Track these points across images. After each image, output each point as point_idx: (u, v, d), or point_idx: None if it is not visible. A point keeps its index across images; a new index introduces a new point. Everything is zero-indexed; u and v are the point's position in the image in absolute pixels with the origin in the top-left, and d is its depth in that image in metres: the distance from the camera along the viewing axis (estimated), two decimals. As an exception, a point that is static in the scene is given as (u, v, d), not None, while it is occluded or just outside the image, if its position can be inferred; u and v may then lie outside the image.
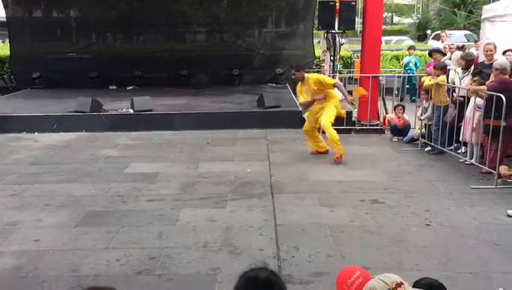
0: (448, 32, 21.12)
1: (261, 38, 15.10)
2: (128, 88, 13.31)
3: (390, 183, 5.98)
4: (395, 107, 8.49)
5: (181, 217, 4.95)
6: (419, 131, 7.78)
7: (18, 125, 9.17)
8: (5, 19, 14.45)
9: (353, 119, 8.94)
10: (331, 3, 9.11)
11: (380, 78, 9.04)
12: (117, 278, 3.78)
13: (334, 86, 7.12)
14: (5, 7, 14.33)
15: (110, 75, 13.68)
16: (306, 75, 7.14)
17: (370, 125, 8.82)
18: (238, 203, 5.34)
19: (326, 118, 7.00)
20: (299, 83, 7.26)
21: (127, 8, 14.17)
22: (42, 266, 3.94)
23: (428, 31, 28.57)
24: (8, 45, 14.94)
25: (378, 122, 8.93)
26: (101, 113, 9.40)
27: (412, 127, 8.16)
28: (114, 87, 13.58)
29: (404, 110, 8.34)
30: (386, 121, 8.67)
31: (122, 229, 4.65)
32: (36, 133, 8.97)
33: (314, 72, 12.73)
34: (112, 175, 6.43)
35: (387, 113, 8.89)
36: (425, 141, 7.51)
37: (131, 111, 9.53)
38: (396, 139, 8.22)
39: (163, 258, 4.06)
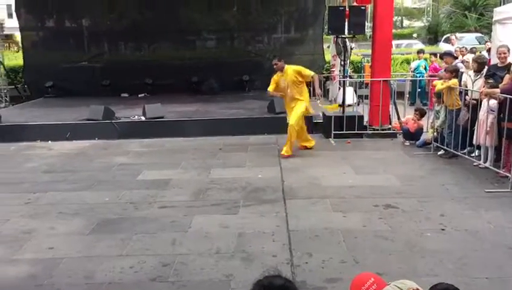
0: (459, 35, 21.02)
1: (271, 44, 15.13)
2: (139, 96, 13.44)
3: (403, 187, 5.94)
4: (415, 111, 8.44)
5: (193, 223, 4.96)
6: (432, 135, 7.71)
7: (32, 134, 9.28)
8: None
9: (364, 123, 8.90)
10: (340, 8, 9.11)
11: (391, 82, 9.00)
12: (131, 285, 3.79)
13: (312, 78, 7.37)
14: (18, 18, 14.57)
15: (122, 83, 13.83)
16: (286, 65, 7.35)
17: (382, 130, 8.77)
18: (250, 209, 5.34)
19: (294, 118, 7.35)
20: (278, 72, 7.47)
21: (138, 17, 14.33)
22: (57, 273, 3.96)
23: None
24: (22, 54, 15.12)
25: (390, 126, 8.88)
26: (113, 121, 9.48)
27: (424, 130, 8.10)
28: (126, 95, 13.72)
29: (421, 116, 8.26)
30: (400, 123, 8.61)
31: (135, 236, 4.67)
32: (50, 142, 9.07)
33: (324, 77, 12.82)
34: (125, 182, 6.47)
35: (399, 117, 8.84)
36: (438, 144, 7.45)
37: (143, 118, 9.60)
38: (408, 143, 8.16)
39: (177, 265, 4.07)
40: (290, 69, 7.32)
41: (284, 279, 1.70)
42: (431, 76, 11.31)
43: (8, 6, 35.66)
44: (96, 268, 4.03)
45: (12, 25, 25.95)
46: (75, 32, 15.26)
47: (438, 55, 11.83)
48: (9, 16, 34.72)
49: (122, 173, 6.93)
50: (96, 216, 5.21)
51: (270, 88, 7.61)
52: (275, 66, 7.49)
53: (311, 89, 8.19)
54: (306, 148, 7.89)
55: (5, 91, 14.04)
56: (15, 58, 17.86)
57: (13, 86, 14.33)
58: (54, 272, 3.98)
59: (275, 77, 7.50)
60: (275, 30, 15.21)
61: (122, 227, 4.91)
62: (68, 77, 13.85)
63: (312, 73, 7.44)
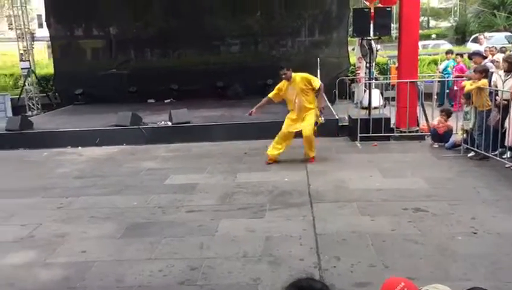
0: (488, 34, 20.56)
1: (295, 48, 15.12)
2: (166, 101, 13.61)
3: (432, 190, 5.84)
4: (440, 112, 8.30)
5: (220, 227, 4.99)
6: (461, 136, 7.57)
7: (63, 140, 9.51)
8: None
9: (391, 126, 8.79)
10: (365, 9, 9.04)
11: (418, 83, 8.88)
12: (160, 288, 3.85)
13: (319, 89, 7.13)
14: (48, 27, 14.97)
15: (149, 90, 14.05)
16: (293, 74, 7.16)
17: (409, 132, 8.65)
18: (276, 213, 5.34)
19: (308, 128, 7.16)
20: (284, 81, 7.26)
21: (164, 24, 14.52)
22: (89, 277, 4.05)
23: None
24: (52, 63, 15.53)
25: (417, 128, 8.75)
26: (140, 127, 9.63)
27: (454, 132, 7.95)
28: (152, 101, 13.93)
29: (448, 116, 8.13)
30: (428, 125, 8.48)
31: (164, 240, 4.73)
32: (80, 148, 9.28)
33: (349, 79, 12.72)
34: (153, 187, 6.56)
35: (427, 119, 8.70)
36: (468, 146, 7.30)
37: (169, 124, 9.73)
38: (437, 145, 8.03)
39: (205, 268, 4.10)
40: (298, 77, 7.11)
41: (321, 283, 1.70)
42: (457, 77, 11.14)
43: (39, 17, 36.69)
44: (127, 271, 4.10)
45: (42, 34, 26.67)
46: (102, 41, 15.61)
47: (466, 55, 11.59)
48: (40, 25, 35.69)
49: (149, 178, 7.03)
50: (125, 220, 5.30)
51: (271, 94, 7.44)
52: (283, 76, 7.18)
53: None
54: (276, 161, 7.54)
55: (37, 99, 14.42)
56: (46, 67, 18.34)
57: (44, 94, 14.71)
58: (86, 275, 4.07)
59: (280, 85, 7.31)
60: (298, 34, 15.19)
61: (151, 231, 4.98)
62: (97, 84, 14.16)
63: (319, 84, 7.20)
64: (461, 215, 5.02)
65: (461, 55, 12.37)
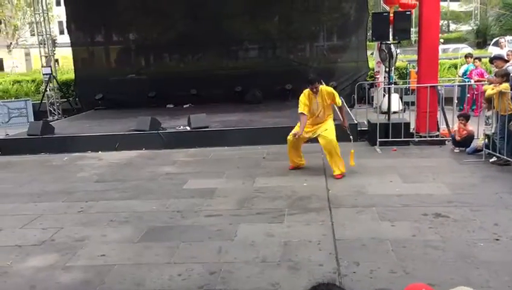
0: (509, 38, 20.22)
1: (313, 52, 15.10)
2: (184, 106, 13.71)
3: (454, 196, 5.75)
4: (458, 117, 8.19)
5: (239, 232, 4.99)
6: (483, 141, 7.44)
7: (83, 145, 9.65)
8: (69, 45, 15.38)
9: (411, 130, 8.70)
10: (384, 14, 8.99)
11: (439, 87, 8.77)
12: (179, 292, 3.85)
13: (342, 104, 7.01)
14: (69, 33, 15.24)
15: (168, 94, 14.18)
16: (320, 86, 6.89)
17: (429, 137, 8.54)
18: (295, 218, 5.32)
19: (331, 133, 6.84)
20: (307, 93, 6.84)
21: (183, 29, 14.65)
22: (109, 280, 4.08)
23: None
24: (73, 68, 15.79)
25: (438, 133, 8.63)
26: (159, 131, 9.71)
27: (475, 137, 7.83)
28: (171, 105, 14.05)
29: (467, 120, 8.02)
30: (449, 129, 8.37)
31: (182, 244, 4.74)
32: (100, 152, 9.40)
33: (368, 84, 12.63)
34: (171, 191, 6.60)
35: (447, 124, 8.58)
36: (490, 151, 7.17)
37: (188, 128, 9.79)
38: (458, 150, 7.91)
39: (224, 273, 4.10)
40: (324, 90, 6.84)
41: (340, 288, 1.67)
42: (477, 81, 10.98)
43: (60, 23, 37.38)
44: (146, 275, 4.12)
45: (63, 40, 27.18)
46: (122, 46, 15.83)
47: (488, 58, 11.41)
48: (61, 32, 36.35)
49: (168, 182, 7.07)
50: (144, 224, 5.34)
51: (305, 110, 6.85)
52: (314, 90, 6.75)
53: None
54: (298, 167, 7.37)
55: (58, 104, 14.67)
56: (67, 73, 18.65)
57: (65, 99, 14.96)
58: (106, 278, 4.11)
59: (304, 99, 6.83)
60: (317, 38, 15.18)
61: (170, 235, 5.01)
62: (116, 90, 14.36)
63: (341, 102, 6.99)
64: (483, 221, 4.93)
65: (479, 59, 12.16)
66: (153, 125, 9.75)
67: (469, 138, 7.81)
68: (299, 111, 6.90)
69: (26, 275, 4.26)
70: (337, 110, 7.12)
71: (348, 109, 11.29)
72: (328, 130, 6.88)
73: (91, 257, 4.56)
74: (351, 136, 7.19)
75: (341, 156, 6.85)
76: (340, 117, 7.20)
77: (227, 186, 6.72)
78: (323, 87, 6.92)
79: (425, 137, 8.54)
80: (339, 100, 6.94)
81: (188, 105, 13.85)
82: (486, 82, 8.23)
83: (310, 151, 8.45)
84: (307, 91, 6.89)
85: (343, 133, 7.25)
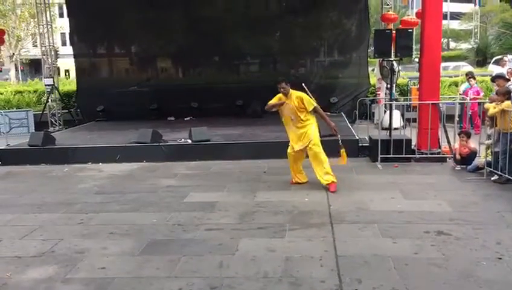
0: (510, 56, 20.39)
1: (314, 68, 15.18)
2: (185, 119, 13.74)
3: (455, 214, 5.73)
4: (459, 135, 8.21)
5: (240, 246, 4.96)
6: (484, 159, 7.45)
7: (84, 156, 9.64)
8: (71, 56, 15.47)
9: (412, 147, 8.71)
10: (387, 31, 9.06)
11: (440, 105, 8.80)
12: (180, 307, 3.81)
13: (314, 110, 6.83)
14: (72, 45, 15.35)
15: (169, 107, 14.23)
16: (291, 90, 6.92)
17: (431, 154, 8.54)
18: (297, 233, 5.29)
19: (316, 138, 6.86)
20: (279, 96, 7.00)
21: (184, 43, 14.76)
22: (109, 293, 4.05)
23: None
24: (75, 80, 15.86)
25: (439, 150, 8.64)
26: (160, 144, 9.71)
27: (477, 155, 7.83)
28: (172, 118, 14.09)
29: (468, 138, 8.04)
30: (450, 147, 8.38)
31: (183, 257, 4.71)
32: (100, 164, 9.39)
33: (369, 100, 12.69)
34: (172, 204, 6.57)
35: (449, 141, 8.60)
36: (492, 169, 7.18)
37: (189, 141, 9.79)
38: (459, 168, 7.91)
39: (225, 288, 4.06)
40: (294, 94, 6.88)
41: None
42: (472, 99, 11.03)
43: (62, 35, 37.64)
44: (146, 289, 4.09)
45: (65, 52, 27.35)
46: (124, 59, 15.94)
47: (490, 77, 11.47)
48: (63, 43, 36.61)
49: (169, 195, 7.05)
50: (145, 237, 5.30)
51: (272, 101, 7.10)
52: (282, 90, 6.90)
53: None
54: (298, 183, 7.30)
55: (59, 115, 14.71)
56: (68, 84, 18.72)
57: (67, 110, 14.99)
58: (106, 291, 4.07)
59: (280, 95, 7.01)
60: (318, 54, 15.29)
61: (171, 248, 4.98)
62: (118, 101, 14.40)
63: (314, 104, 6.84)
64: (485, 240, 4.91)
65: (473, 77, 12.20)
66: (154, 137, 9.75)
67: (471, 155, 7.82)
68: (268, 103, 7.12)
69: (26, 287, 4.22)
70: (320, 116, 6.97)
71: (349, 124, 11.33)
72: (313, 137, 6.87)
73: (91, 270, 4.52)
74: (340, 144, 7.09)
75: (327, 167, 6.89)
76: (326, 123, 6.99)
77: (228, 200, 6.70)
78: (294, 92, 6.92)
79: (426, 154, 8.54)
80: (309, 106, 6.80)
81: (189, 118, 13.90)
82: (487, 100, 8.26)
83: (310, 166, 8.46)
84: (279, 94, 7.01)
85: (349, 150, 7.18)
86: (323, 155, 6.93)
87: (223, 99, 14.13)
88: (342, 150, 7.11)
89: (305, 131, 6.94)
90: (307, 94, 7.01)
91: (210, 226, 5.63)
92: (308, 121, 6.95)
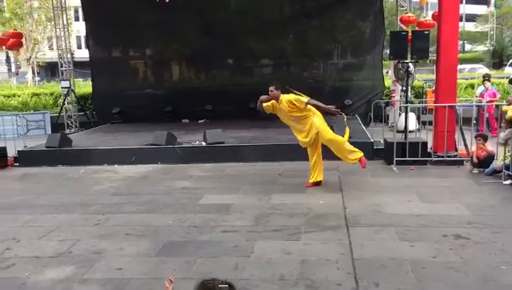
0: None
1: (328, 70, 15.14)
2: (200, 121, 13.78)
3: (473, 217, 5.66)
4: (475, 138, 8.11)
5: (256, 248, 4.96)
6: (502, 162, 7.35)
7: (100, 158, 9.72)
8: (87, 59, 15.63)
9: (428, 150, 8.63)
10: (402, 33, 8.99)
11: (456, 107, 8.71)
12: (196, 308, 3.81)
13: (307, 103, 6.75)
14: (88, 48, 15.51)
15: (183, 110, 14.28)
16: (281, 95, 6.87)
17: (447, 157, 8.45)
18: (312, 236, 5.27)
19: (326, 133, 6.88)
20: (272, 103, 6.95)
21: (198, 46, 14.80)
22: (126, 293, 4.07)
23: None
24: (91, 82, 16.02)
25: (455, 153, 8.55)
26: (175, 146, 9.75)
27: (495, 158, 7.73)
28: (187, 120, 14.14)
29: (485, 140, 7.94)
30: (467, 150, 8.29)
31: (199, 259, 4.72)
32: (116, 165, 9.46)
33: (384, 102, 12.62)
34: (187, 206, 6.60)
35: (465, 144, 8.51)
36: (510, 172, 7.07)
37: (203, 143, 9.82)
38: (477, 171, 7.81)
39: (241, 290, 4.06)
40: (284, 99, 6.83)
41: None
42: (489, 102, 10.90)
43: (78, 38, 38.07)
44: (163, 290, 4.10)
45: (80, 55, 27.67)
46: (139, 61, 16.06)
47: (508, 80, 11.33)
48: (78, 47, 37.03)
49: (184, 197, 7.08)
50: (161, 238, 5.33)
51: (267, 109, 7.05)
52: (270, 94, 6.87)
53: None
54: (315, 184, 7.23)
55: (75, 117, 14.87)
56: (84, 87, 18.92)
57: (83, 113, 15.15)
58: (123, 292, 4.10)
59: (268, 105, 6.99)
60: (332, 56, 15.25)
61: (186, 250, 4.99)
62: (133, 104, 14.53)
63: (306, 99, 6.78)
64: (504, 243, 4.84)
65: (488, 79, 12.05)
66: (169, 139, 9.80)
67: (489, 158, 7.72)
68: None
69: (44, 287, 4.27)
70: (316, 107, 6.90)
71: (364, 127, 11.25)
72: (320, 130, 6.88)
73: (108, 270, 4.55)
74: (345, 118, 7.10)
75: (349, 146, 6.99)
76: (323, 110, 6.92)
77: (243, 202, 6.70)
78: (284, 96, 6.87)
79: (443, 157, 8.45)
80: (301, 103, 6.76)
81: (203, 120, 13.94)
82: (504, 103, 8.16)
83: (325, 169, 8.43)
84: (272, 101, 6.98)
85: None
86: (337, 137, 6.93)
87: (236, 101, 14.13)
88: (347, 128, 7.09)
89: (308, 127, 6.95)
90: (295, 93, 6.96)
91: (225, 228, 5.63)
92: (307, 118, 6.92)
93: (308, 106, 6.84)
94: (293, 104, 6.82)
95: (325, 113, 7.07)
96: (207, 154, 9.56)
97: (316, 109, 6.93)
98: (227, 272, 4.42)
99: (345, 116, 7.14)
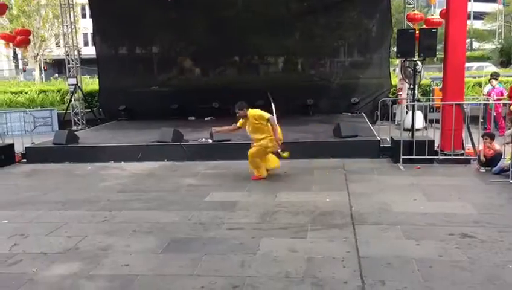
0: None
1: (335, 68, 15.10)
2: (206, 119, 13.80)
3: (480, 216, 5.64)
4: (482, 137, 8.07)
5: (262, 246, 4.96)
6: (509, 161, 7.30)
7: (106, 155, 9.77)
8: (93, 56, 15.68)
9: (435, 148, 8.59)
10: (410, 30, 8.95)
11: (464, 105, 8.67)
12: (202, 305, 3.83)
13: (268, 120, 7.46)
14: (94, 45, 15.56)
15: (190, 107, 14.30)
16: (249, 111, 7.63)
17: (454, 155, 8.41)
18: (318, 234, 5.27)
19: (256, 147, 7.71)
20: (241, 119, 7.78)
21: (205, 43, 14.79)
22: (133, 290, 4.10)
23: None
24: (97, 80, 16.08)
25: (463, 151, 8.51)
26: (181, 143, 9.77)
27: (502, 157, 7.68)
28: (193, 118, 14.16)
29: (492, 139, 7.90)
30: (475, 149, 8.25)
31: (205, 256, 4.73)
32: (122, 162, 9.50)
33: (391, 101, 12.59)
34: (193, 203, 6.62)
35: (473, 143, 8.46)
36: (517, 171, 7.03)
37: (210, 141, 9.83)
38: (484, 170, 7.77)
39: (247, 287, 4.07)
40: (251, 114, 7.62)
41: None
42: (496, 100, 10.83)
43: (84, 35, 38.22)
44: (170, 286, 4.12)
45: (87, 52, 27.78)
46: (145, 59, 16.10)
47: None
48: (85, 44, 37.17)
49: (190, 194, 7.10)
50: (167, 235, 5.35)
51: (239, 124, 7.93)
52: (237, 115, 7.74)
53: None
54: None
55: (82, 114, 14.94)
56: (91, 84, 18.99)
57: (89, 110, 15.21)
58: (130, 288, 4.12)
59: (241, 120, 7.85)
60: (339, 54, 15.22)
61: (192, 247, 5.01)
62: (140, 101, 14.56)
63: (268, 116, 7.52)
64: (511, 242, 4.81)
65: (495, 78, 11.97)
66: (175, 137, 9.82)
67: (496, 157, 7.67)
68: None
69: (51, 283, 4.30)
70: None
71: (370, 125, 11.22)
72: (255, 146, 7.74)
73: (115, 267, 4.58)
74: (284, 153, 7.69)
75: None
76: (275, 135, 7.59)
77: (249, 199, 6.71)
78: (251, 111, 7.65)
79: (450, 155, 8.41)
80: (265, 117, 7.52)
81: (209, 118, 13.95)
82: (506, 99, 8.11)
83: (332, 167, 8.44)
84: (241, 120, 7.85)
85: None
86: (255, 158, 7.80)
87: (243, 99, 13.86)
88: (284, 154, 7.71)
89: (261, 138, 7.71)
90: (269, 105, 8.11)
91: (231, 225, 5.65)
92: (263, 138, 7.65)
93: (266, 130, 7.58)
94: (259, 118, 7.58)
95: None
96: (213, 152, 9.58)
97: (273, 130, 7.56)
98: (233, 269, 4.43)
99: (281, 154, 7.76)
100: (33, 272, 4.51)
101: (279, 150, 7.66)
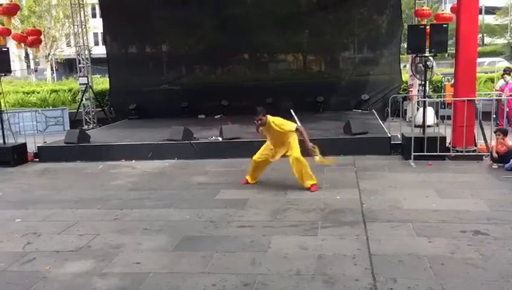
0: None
1: (345, 65, 15.03)
2: (215, 117, 13.82)
3: (493, 213, 5.58)
4: (495, 133, 7.99)
5: (272, 243, 4.96)
6: (523, 157, 7.23)
7: (117, 153, 9.83)
8: (104, 56, 15.78)
9: (447, 145, 8.52)
10: (420, 26, 8.87)
11: (476, 101, 8.58)
12: (214, 302, 3.84)
13: (297, 130, 6.78)
14: (105, 45, 15.65)
15: (199, 105, 14.34)
16: (269, 118, 6.82)
17: (466, 152, 8.34)
18: (329, 231, 5.26)
19: (296, 149, 6.87)
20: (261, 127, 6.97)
21: (214, 41, 14.82)
22: (144, 288, 4.12)
23: None
24: (108, 79, 16.18)
25: (475, 148, 8.43)
26: (192, 142, 9.80)
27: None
28: (203, 116, 14.20)
29: (505, 135, 7.81)
30: (487, 145, 8.16)
31: (216, 254, 4.75)
32: (133, 161, 9.56)
33: (401, 97, 12.52)
34: (204, 201, 6.64)
35: (485, 139, 8.38)
36: (531, 167, 6.95)
37: (220, 139, 9.84)
38: (496, 166, 7.69)
39: (258, 284, 4.07)
40: (272, 122, 6.83)
41: None
42: (510, 96, 10.70)
43: (95, 35, 38.45)
44: (181, 284, 4.14)
45: (98, 51, 27.95)
46: (155, 57, 16.15)
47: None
48: (96, 43, 37.42)
49: (201, 192, 7.12)
50: (178, 233, 5.37)
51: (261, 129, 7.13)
52: (258, 122, 6.85)
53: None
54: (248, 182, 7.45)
55: (93, 113, 15.05)
56: (102, 83, 19.12)
57: (100, 109, 15.32)
58: (142, 286, 4.14)
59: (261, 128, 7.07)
60: (349, 50, 15.12)
61: (204, 245, 5.02)
62: (150, 100, 14.64)
63: (293, 127, 6.79)
64: (526, 240, 4.77)
65: (508, 73, 11.84)
66: (185, 135, 9.86)
67: (509, 153, 7.59)
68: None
69: (64, 281, 4.34)
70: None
71: (381, 122, 11.16)
72: (292, 147, 6.90)
73: (127, 265, 4.61)
74: (316, 157, 6.88)
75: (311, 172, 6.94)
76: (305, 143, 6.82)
77: (259, 197, 6.71)
78: (271, 119, 6.84)
79: (461, 152, 8.34)
80: (288, 128, 6.78)
81: (219, 116, 13.97)
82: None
83: (342, 165, 8.41)
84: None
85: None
86: (304, 162, 6.92)
87: (252, 97, 14.08)
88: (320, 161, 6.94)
89: (286, 145, 7.02)
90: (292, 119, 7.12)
91: (242, 223, 5.66)
92: (290, 137, 6.96)
93: (290, 134, 6.90)
94: (280, 128, 6.84)
95: (301, 145, 6.97)
96: (223, 150, 9.60)
97: (299, 136, 6.90)
98: (244, 267, 4.44)
99: (317, 155, 6.92)
100: (46, 270, 4.56)
101: (315, 157, 6.90)
